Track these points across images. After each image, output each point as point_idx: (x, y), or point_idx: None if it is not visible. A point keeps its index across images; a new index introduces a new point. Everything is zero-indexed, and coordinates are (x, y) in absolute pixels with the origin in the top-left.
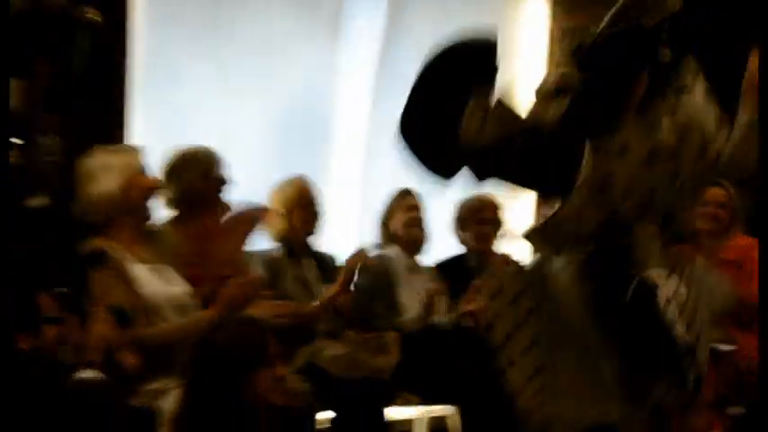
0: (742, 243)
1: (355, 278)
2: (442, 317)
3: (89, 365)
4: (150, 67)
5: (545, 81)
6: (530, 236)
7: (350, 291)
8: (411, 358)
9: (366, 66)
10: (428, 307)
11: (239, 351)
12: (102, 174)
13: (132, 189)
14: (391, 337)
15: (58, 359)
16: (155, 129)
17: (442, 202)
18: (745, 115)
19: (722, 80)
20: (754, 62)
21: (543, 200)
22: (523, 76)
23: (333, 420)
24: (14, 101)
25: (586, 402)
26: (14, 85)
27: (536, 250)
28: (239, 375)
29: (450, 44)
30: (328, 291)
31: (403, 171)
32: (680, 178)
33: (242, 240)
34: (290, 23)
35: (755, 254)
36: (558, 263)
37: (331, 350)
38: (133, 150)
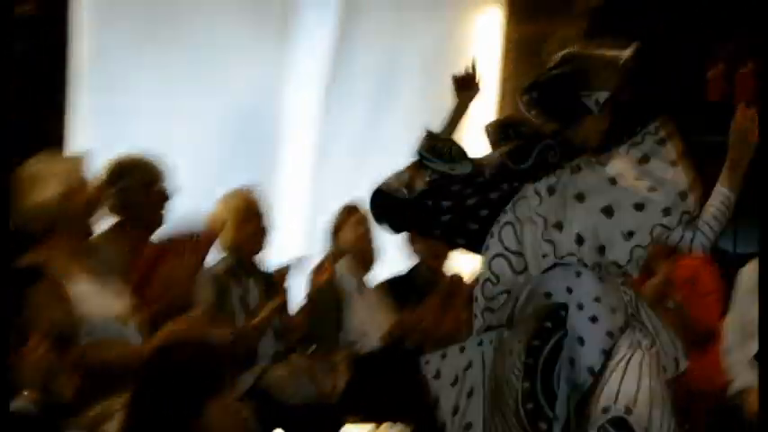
0: (694, 262)
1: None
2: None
3: (24, 393)
4: (91, 70)
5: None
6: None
7: (298, 311)
8: (359, 380)
9: (316, 71)
10: (392, 334)
11: (194, 377)
12: (42, 182)
13: (74, 199)
14: (340, 358)
15: None
16: (96, 134)
17: None
18: (723, 188)
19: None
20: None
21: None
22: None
23: None
24: None
25: None
26: None
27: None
28: (193, 403)
29: None
30: (268, 305)
31: (352, 178)
32: (635, 238)
33: (195, 266)
34: (236, 27)
35: (706, 272)
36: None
37: (278, 372)
38: (75, 158)
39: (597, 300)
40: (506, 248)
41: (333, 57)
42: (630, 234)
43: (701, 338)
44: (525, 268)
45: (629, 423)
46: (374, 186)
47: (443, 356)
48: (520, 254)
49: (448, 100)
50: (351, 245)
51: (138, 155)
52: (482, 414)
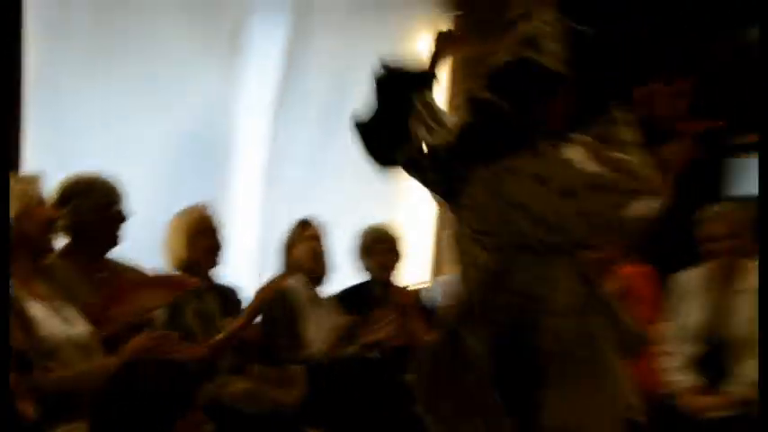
0: (629, 271)
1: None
2: (347, 348)
3: None
4: (40, 87)
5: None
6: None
7: (253, 324)
8: (317, 390)
9: (266, 92)
10: (338, 341)
11: (164, 397)
12: None
13: (29, 220)
14: (296, 370)
15: None
16: (46, 152)
17: (341, 232)
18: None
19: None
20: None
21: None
22: None
23: None
24: None
25: None
26: None
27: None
28: (164, 421)
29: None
30: (232, 324)
31: (302, 196)
32: (591, 219)
33: (161, 299)
34: (186, 42)
35: (642, 279)
36: (472, 338)
37: (235, 386)
38: (30, 179)
39: (553, 279)
40: (471, 228)
41: (283, 77)
42: (587, 215)
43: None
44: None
45: None
46: None
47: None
48: (485, 232)
49: None
50: (304, 259)
51: (92, 174)
52: None
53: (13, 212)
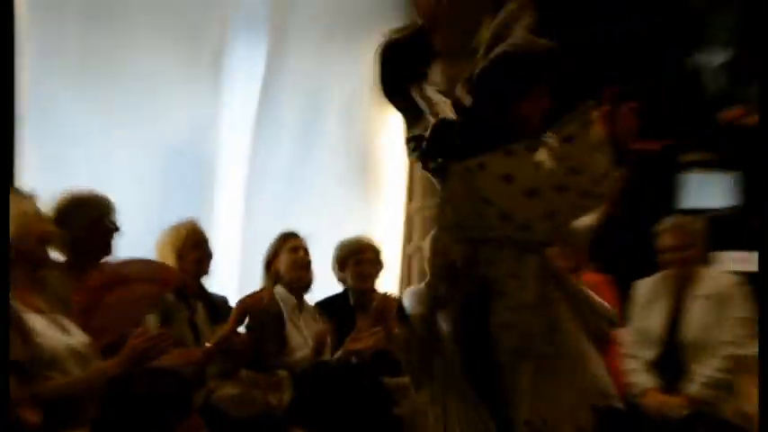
0: (591, 279)
1: (246, 319)
2: (329, 355)
3: None
4: (30, 108)
5: None
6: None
7: (238, 331)
8: (302, 394)
9: (247, 112)
10: (319, 347)
11: (163, 403)
12: None
13: (27, 236)
14: (283, 375)
15: None
16: (41, 167)
17: (322, 243)
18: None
19: None
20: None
21: None
22: (389, 114)
23: None
24: None
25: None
26: None
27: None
28: (166, 424)
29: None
30: (219, 331)
31: (281, 211)
32: (556, 219)
33: (149, 301)
34: (172, 63)
35: (604, 286)
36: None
37: (225, 390)
38: (27, 196)
39: (514, 276)
40: (449, 224)
41: (262, 98)
42: (552, 215)
43: (599, 345)
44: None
45: None
46: None
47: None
48: (459, 225)
49: (366, 138)
50: (288, 268)
51: (85, 191)
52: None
53: (12, 229)
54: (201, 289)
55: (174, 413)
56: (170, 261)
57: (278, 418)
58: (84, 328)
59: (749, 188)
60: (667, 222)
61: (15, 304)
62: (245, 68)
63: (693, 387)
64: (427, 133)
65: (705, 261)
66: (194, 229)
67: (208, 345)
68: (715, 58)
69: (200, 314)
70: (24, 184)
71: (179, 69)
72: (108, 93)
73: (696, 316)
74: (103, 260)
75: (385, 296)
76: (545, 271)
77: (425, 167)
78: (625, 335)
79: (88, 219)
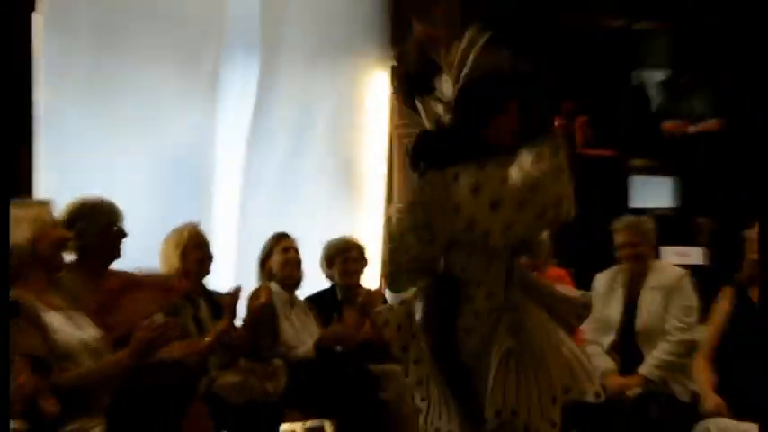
0: (553, 273)
1: (241, 314)
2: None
3: (11, 416)
4: (46, 121)
5: None
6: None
7: (234, 325)
8: (296, 382)
9: (241, 124)
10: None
11: (173, 392)
12: (13, 227)
13: (43, 241)
14: (278, 364)
15: None
16: (55, 177)
17: (311, 243)
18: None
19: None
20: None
21: None
22: (371, 126)
23: None
24: None
25: (447, 417)
26: None
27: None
28: (174, 412)
29: None
30: (217, 326)
31: (273, 214)
32: (513, 231)
33: (158, 304)
34: (172, 81)
35: (565, 279)
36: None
37: (226, 378)
38: (43, 204)
39: (479, 284)
40: (416, 224)
41: (255, 111)
42: (510, 226)
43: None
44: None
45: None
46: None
47: (390, 309)
48: (427, 227)
49: (350, 149)
50: (281, 266)
51: (95, 198)
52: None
53: (29, 234)
54: (203, 287)
55: (181, 401)
56: (174, 261)
57: (274, 403)
58: (100, 324)
59: (687, 190)
60: (622, 222)
61: (34, 303)
62: (240, 86)
63: (646, 368)
64: (412, 142)
65: (655, 256)
66: (196, 232)
67: (207, 339)
68: (655, 76)
69: (204, 310)
70: (43, 191)
71: (178, 86)
72: (114, 108)
73: (648, 305)
74: (116, 266)
75: (369, 291)
76: (510, 277)
77: (414, 171)
78: (586, 323)
79: (99, 225)
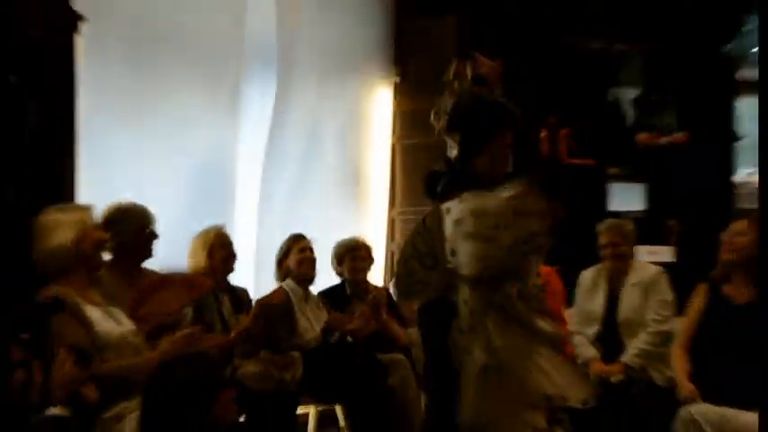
0: (543, 271)
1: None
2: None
3: (55, 403)
4: (90, 134)
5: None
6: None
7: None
8: (310, 370)
9: (259, 136)
10: (328, 331)
11: (203, 380)
12: (57, 229)
13: (84, 242)
14: (295, 355)
15: (25, 401)
16: (95, 185)
17: (323, 244)
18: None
19: None
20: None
21: None
22: (375, 138)
23: (249, 423)
24: None
25: None
26: None
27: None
28: (204, 399)
29: None
30: (241, 322)
31: (288, 219)
32: (486, 263)
33: (185, 299)
34: (198, 95)
35: (554, 276)
36: None
37: (248, 368)
38: (84, 208)
39: (465, 303)
40: (418, 252)
41: (272, 125)
42: (483, 258)
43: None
44: (435, 264)
45: None
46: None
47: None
48: (430, 254)
49: (356, 159)
50: (297, 265)
51: (129, 203)
52: None
53: (72, 236)
54: (227, 283)
55: (209, 389)
56: (201, 259)
57: (291, 391)
58: (134, 317)
59: (657, 195)
60: (606, 224)
61: (76, 299)
62: (258, 105)
63: (627, 357)
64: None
65: (633, 255)
66: (221, 233)
67: (232, 334)
68: (629, 93)
69: (227, 305)
70: (84, 198)
71: (203, 104)
72: (147, 122)
73: (629, 300)
74: (148, 265)
75: (377, 288)
76: (488, 302)
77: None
78: (571, 315)
79: (133, 228)
